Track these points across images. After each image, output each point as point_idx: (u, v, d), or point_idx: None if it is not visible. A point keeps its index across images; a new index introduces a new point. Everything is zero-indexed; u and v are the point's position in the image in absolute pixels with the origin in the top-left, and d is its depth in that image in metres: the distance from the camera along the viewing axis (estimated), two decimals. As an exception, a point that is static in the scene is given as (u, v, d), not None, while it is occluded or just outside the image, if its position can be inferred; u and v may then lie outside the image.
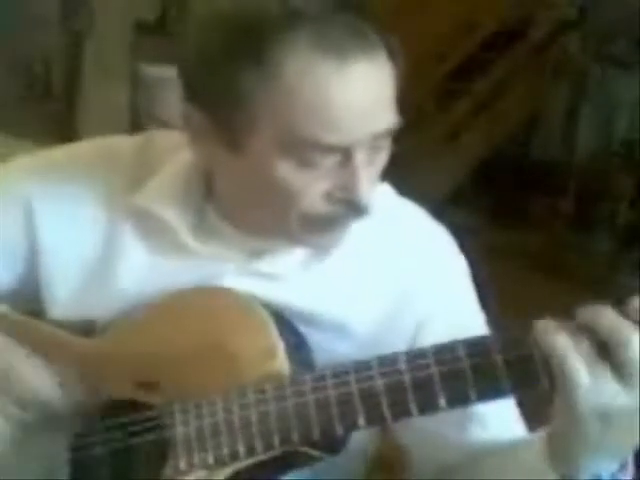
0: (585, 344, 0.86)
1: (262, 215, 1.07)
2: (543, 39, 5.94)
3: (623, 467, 0.93)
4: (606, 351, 0.86)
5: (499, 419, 1.09)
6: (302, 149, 0.98)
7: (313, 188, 1.01)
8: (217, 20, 1.00)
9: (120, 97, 4.69)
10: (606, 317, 0.86)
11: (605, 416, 0.87)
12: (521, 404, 1.11)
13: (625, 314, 0.86)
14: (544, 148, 6.19)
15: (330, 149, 0.98)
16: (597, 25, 5.75)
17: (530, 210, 5.86)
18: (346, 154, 0.99)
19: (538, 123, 6.29)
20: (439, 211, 1.20)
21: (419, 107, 5.64)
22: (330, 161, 1.00)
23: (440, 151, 5.68)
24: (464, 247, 1.19)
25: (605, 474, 0.92)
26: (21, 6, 4.91)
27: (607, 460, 0.92)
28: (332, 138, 0.97)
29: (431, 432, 1.07)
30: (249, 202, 1.07)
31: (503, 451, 1.07)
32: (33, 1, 5.02)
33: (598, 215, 5.65)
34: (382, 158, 1.05)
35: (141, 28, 4.92)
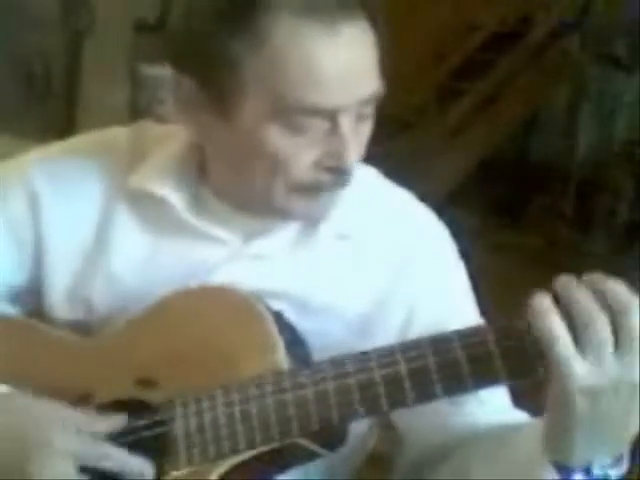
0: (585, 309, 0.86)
1: (250, 185, 1.08)
2: (543, 39, 5.94)
3: (617, 461, 0.93)
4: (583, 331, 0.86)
5: (494, 396, 1.10)
6: (291, 114, 1.00)
7: (302, 156, 1.02)
8: None
9: (120, 97, 4.70)
10: (582, 301, 0.87)
11: (593, 395, 0.87)
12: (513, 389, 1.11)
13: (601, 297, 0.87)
14: (544, 148, 6.20)
15: (318, 112, 1.00)
16: (597, 25, 5.76)
17: (530, 210, 5.87)
18: (333, 120, 1.01)
19: (538, 123, 6.30)
20: (439, 211, 1.20)
21: (419, 107, 5.65)
22: (318, 128, 1.01)
23: (440, 151, 5.69)
24: (464, 247, 1.19)
25: (597, 467, 0.92)
26: (21, 6, 4.92)
27: (601, 451, 0.92)
28: (320, 100, 0.99)
29: (425, 411, 1.07)
30: (238, 171, 1.08)
31: (493, 437, 1.07)
32: (33, 1, 5.03)
33: (598, 215, 5.65)
34: (367, 128, 1.07)
35: (141, 28, 4.92)
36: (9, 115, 4.48)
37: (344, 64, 0.99)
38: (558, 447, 0.92)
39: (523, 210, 5.81)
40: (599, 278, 0.89)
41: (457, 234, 1.19)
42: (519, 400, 1.14)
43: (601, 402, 0.87)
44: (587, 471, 0.92)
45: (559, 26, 5.93)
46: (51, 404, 1.03)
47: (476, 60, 5.90)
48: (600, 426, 0.89)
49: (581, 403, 0.87)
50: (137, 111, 4.40)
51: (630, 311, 0.86)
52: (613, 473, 0.93)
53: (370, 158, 1.14)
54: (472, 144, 5.81)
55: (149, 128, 1.21)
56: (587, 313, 0.87)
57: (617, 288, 0.87)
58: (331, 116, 1.01)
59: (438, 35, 5.86)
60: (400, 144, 5.20)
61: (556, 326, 0.87)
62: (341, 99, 1.00)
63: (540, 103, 6.23)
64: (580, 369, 0.86)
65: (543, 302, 0.88)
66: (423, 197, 1.20)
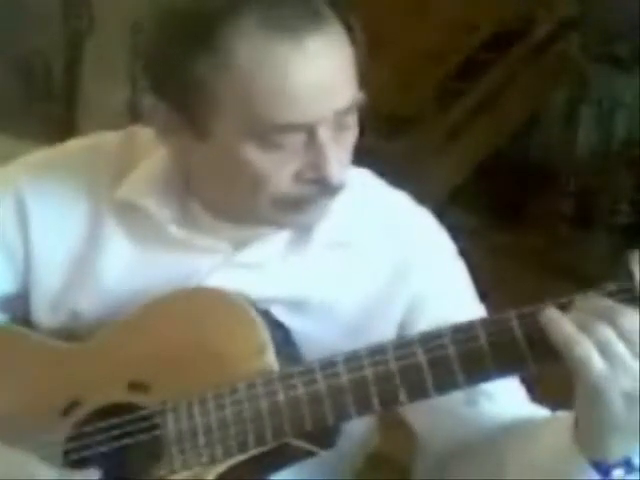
0: (600, 327, 0.86)
1: (235, 200, 1.08)
2: (543, 39, 5.93)
3: None
4: (623, 334, 0.86)
5: (506, 392, 1.10)
6: (266, 131, 0.99)
7: (282, 170, 1.02)
8: (170, 10, 1.02)
9: (120, 97, 4.70)
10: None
11: (629, 396, 0.86)
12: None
13: None
14: (544, 148, 6.19)
15: (293, 128, 0.99)
16: (597, 25, 5.75)
17: (530, 210, 5.86)
18: (310, 133, 1.00)
19: (538, 123, 6.28)
20: (439, 211, 1.20)
21: (419, 107, 5.64)
22: (296, 141, 1.00)
23: (440, 151, 5.68)
24: (464, 247, 1.19)
25: (637, 457, 0.91)
26: (21, 6, 4.92)
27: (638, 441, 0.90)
28: (294, 117, 0.98)
29: (441, 410, 1.07)
30: (221, 188, 1.08)
31: (522, 432, 1.06)
32: (33, 1, 5.02)
33: (598, 215, 5.64)
34: (350, 137, 1.06)
35: (140, 28, 4.91)
36: (9, 115, 4.48)
37: (314, 77, 0.97)
38: (594, 447, 0.91)
39: (523, 210, 5.80)
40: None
41: (457, 234, 1.19)
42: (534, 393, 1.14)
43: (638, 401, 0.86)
44: (627, 463, 0.91)
45: (559, 26, 5.93)
46: (24, 456, 1.03)
47: (476, 60, 5.89)
48: (637, 423, 0.88)
49: (616, 406, 0.87)
50: (137, 111, 4.40)
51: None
52: None
53: (369, 158, 1.14)
54: (472, 144, 5.80)
55: (140, 134, 1.20)
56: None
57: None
58: (307, 129, 1.00)
59: (438, 35, 5.85)
60: (399, 144, 5.20)
61: (570, 331, 0.86)
62: (315, 113, 0.99)
63: (540, 103, 6.22)
64: (614, 373, 0.85)
65: (552, 311, 0.88)
66: (422, 197, 1.20)
